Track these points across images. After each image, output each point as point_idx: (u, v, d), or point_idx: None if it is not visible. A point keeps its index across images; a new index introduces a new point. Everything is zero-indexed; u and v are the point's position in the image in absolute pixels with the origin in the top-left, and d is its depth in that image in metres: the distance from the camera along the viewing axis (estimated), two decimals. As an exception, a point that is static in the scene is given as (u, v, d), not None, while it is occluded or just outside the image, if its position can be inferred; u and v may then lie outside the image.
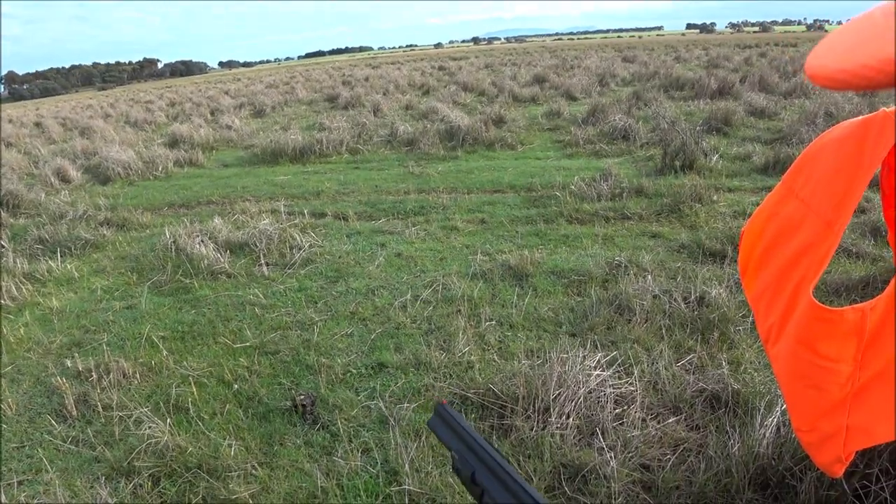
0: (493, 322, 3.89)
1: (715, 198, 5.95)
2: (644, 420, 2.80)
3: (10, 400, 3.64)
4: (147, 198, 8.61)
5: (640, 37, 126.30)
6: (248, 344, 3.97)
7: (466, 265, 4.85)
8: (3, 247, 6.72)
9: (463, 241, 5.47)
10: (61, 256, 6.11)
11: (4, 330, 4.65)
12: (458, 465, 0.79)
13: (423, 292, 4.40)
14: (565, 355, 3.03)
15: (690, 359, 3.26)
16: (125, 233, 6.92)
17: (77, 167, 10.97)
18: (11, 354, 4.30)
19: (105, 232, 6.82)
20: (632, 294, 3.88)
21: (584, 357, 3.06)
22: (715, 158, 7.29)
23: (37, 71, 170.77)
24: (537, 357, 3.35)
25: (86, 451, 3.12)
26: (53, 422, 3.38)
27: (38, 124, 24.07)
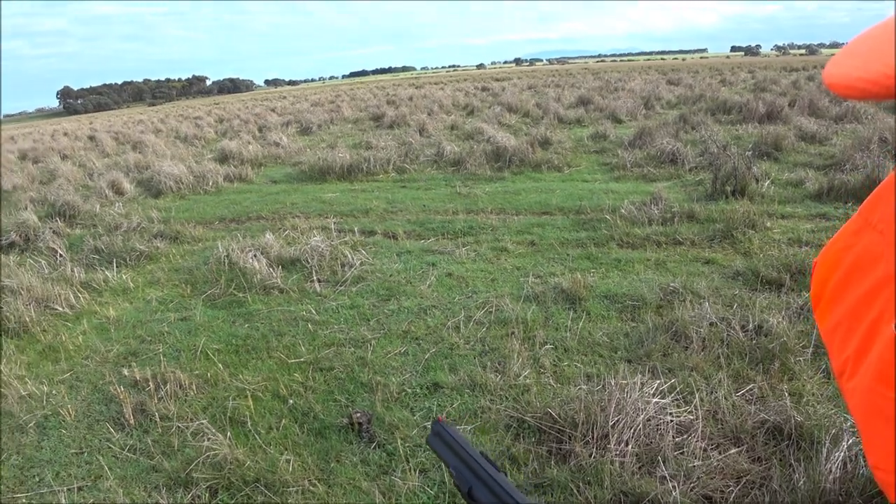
0: (548, 345, 3.87)
1: (768, 224, 5.86)
2: (705, 450, 2.75)
3: (69, 406, 3.74)
4: (198, 211, 8.78)
5: (683, 59, 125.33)
6: (302, 360, 4.02)
7: (518, 287, 4.84)
8: (62, 256, 6.91)
9: (513, 262, 5.47)
10: (117, 267, 6.26)
11: (63, 337, 4.76)
12: (457, 481, 0.80)
13: (475, 313, 4.41)
14: (624, 381, 3.00)
15: (750, 388, 3.21)
16: (178, 245, 7.06)
17: (130, 180, 11.26)
18: (69, 361, 4.42)
19: (159, 244, 6.98)
20: (688, 321, 3.83)
21: (642, 384, 3.03)
22: (766, 184, 7.17)
23: (91, 86, 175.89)
24: (594, 382, 3.32)
25: (144, 460, 3.18)
26: (112, 429, 3.46)
27: (91, 138, 24.73)
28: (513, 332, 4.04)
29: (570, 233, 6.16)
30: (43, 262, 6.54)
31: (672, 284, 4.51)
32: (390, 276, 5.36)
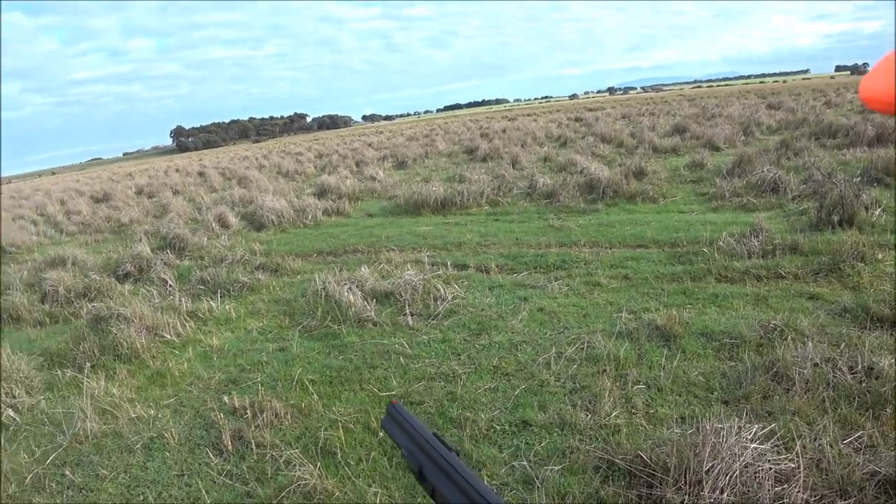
0: (641, 384, 3.77)
1: (880, 256, 5.52)
2: (807, 501, 2.60)
3: (173, 430, 3.97)
4: (298, 245, 9.11)
5: (784, 81, 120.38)
6: (393, 392, 4.08)
7: (611, 323, 4.76)
8: (171, 286, 7.31)
9: (606, 297, 5.38)
10: (220, 297, 6.57)
11: (170, 364, 5.03)
12: (408, 461, 0.82)
13: (566, 349, 4.36)
14: (720, 425, 2.88)
15: (859, 436, 3.01)
16: (278, 277, 7.34)
17: (235, 214, 11.82)
18: (175, 387, 4.70)
19: (260, 276, 7.30)
20: (790, 361, 3.63)
21: (739, 428, 2.90)
22: (878, 212, 6.77)
23: (201, 125, 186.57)
24: (688, 424, 3.21)
25: (239, 486, 3.32)
26: (211, 454, 3.64)
27: (200, 173, 26.13)
28: (604, 370, 3.96)
29: (665, 266, 6.01)
30: (154, 291, 6.95)
31: (773, 322, 4.28)
32: (482, 310, 5.38)
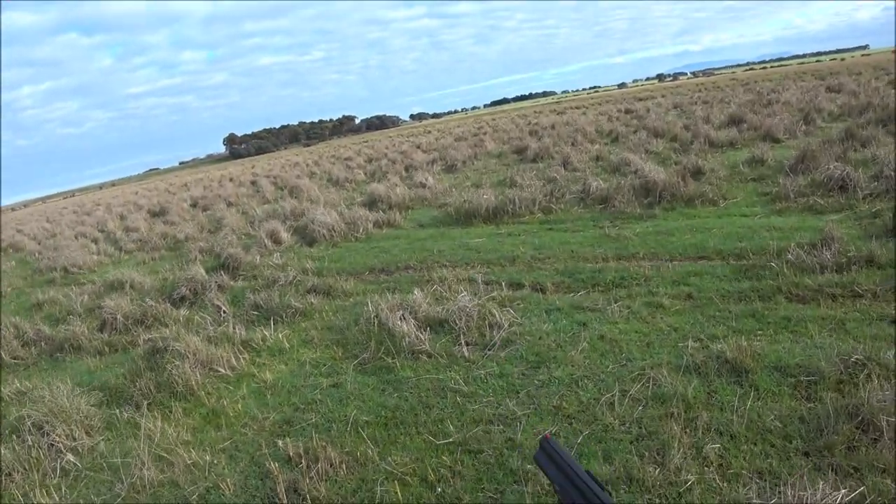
0: (712, 432, 3.52)
1: (970, 268, 5.11)
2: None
3: (228, 480, 3.91)
4: (350, 261, 9.09)
5: (842, 59, 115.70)
6: (450, 440, 3.92)
7: (677, 354, 4.49)
8: (225, 312, 7.33)
9: (670, 321, 5.11)
10: (273, 324, 6.57)
11: (225, 402, 5.00)
12: (561, 498, 0.83)
13: (631, 387, 4.12)
14: (803, 492, 2.64)
15: (962, 498, 2.73)
16: (331, 300, 7.31)
17: (287, 228, 11.90)
18: (230, 428, 4.66)
19: (312, 300, 7.28)
20: (876, 407, 3.30)
21: (823, 493, 2.64)
22: (961, 214, 6.30)
23: (252, 132, 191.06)
24: (765, 480, 2.98)
25: (294, 546, 3.21)
26: (266, 508, 3.53)
27: (253, 182, 26.51)
28: (672, 413, 3.72)
29: (730, 283, 5.69)
30: (208, 318, 6.99)
31: (854, 355, 3.87)
32: (539, 338, 5.19)
